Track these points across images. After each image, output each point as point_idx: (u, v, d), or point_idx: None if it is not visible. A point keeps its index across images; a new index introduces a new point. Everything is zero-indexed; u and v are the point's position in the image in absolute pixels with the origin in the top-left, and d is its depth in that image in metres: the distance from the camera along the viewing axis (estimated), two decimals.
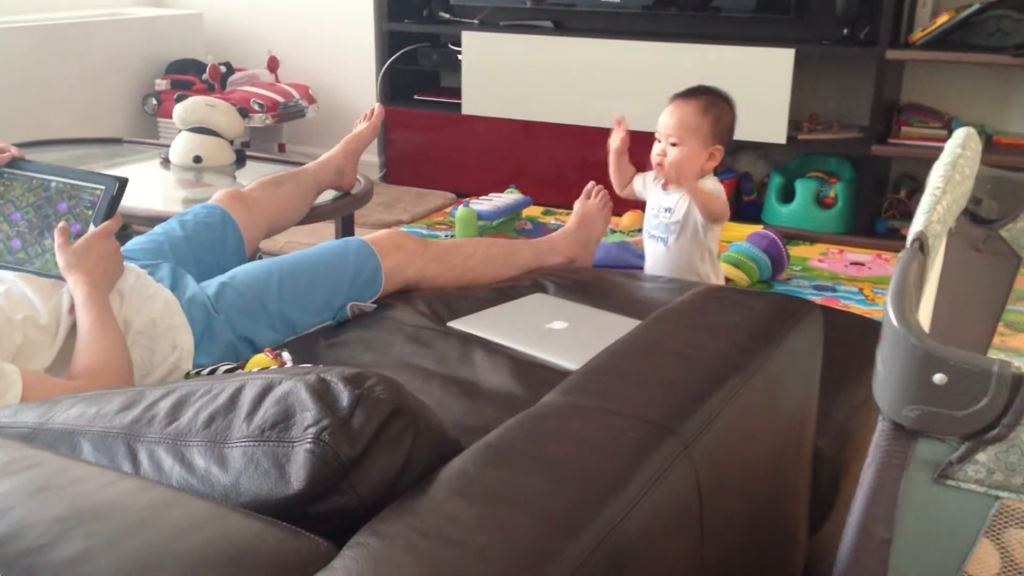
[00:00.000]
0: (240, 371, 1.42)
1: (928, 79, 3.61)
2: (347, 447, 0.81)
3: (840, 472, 1.38)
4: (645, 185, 2.26)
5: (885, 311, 0.77)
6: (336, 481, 0.80)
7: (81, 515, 0.76)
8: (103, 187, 1.55)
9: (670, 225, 2.16)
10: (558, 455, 0.87)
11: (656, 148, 2.16)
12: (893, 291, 0.77)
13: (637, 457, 0.88)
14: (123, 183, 1.55)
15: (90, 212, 1.54)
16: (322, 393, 0.85)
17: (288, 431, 0.83)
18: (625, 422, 0.93)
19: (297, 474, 0.80)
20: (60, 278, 1.48)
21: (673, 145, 2.12)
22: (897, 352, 0.75)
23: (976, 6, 3.27)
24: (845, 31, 3.48)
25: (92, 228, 1.51)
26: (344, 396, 0.85)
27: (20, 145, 2.81)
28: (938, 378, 0.73)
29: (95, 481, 0.82)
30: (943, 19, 3.32)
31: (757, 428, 1.10)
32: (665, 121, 2.14)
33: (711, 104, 2.13)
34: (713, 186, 2.15)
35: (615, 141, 2.26)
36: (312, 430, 0.82)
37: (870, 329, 1.73)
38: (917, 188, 3.66)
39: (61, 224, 1.49)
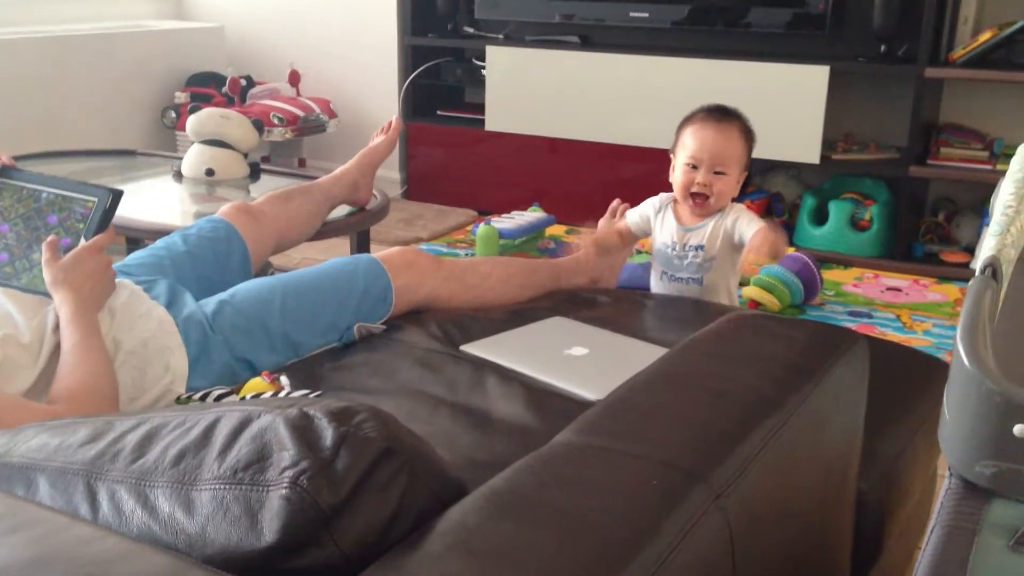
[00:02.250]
0: (233, 395, 1.33)
1: (969, 99, 3.48)
2: (328, 493, 0.71)
3: (885, 518, 1.26)
4: (648, 221, 1.97)
5: (955, 349, 0.65)
6: (315, 533, 0.71)
7: (21, 568, 0.68)
8: (96, 199, 1.46)
9: (704, 263, 1.89)
10: (571, 505, 0.77)
11: (694, 176, 1.86)
12: (964, 326, 0.66)
13: (662, 509, 0.78)
14: (117, 195, 1.46)
15: (81, 225, 1.45)
16: (303, 430, 0.76)
17: (263, 473, 0.73)
18: (648, 468, 0.83)
19: (270, 523, 0.71)
20: (47, 295, 1.39)
21: (717, 173, 1.86)
22: (970, 398, 0.64)
23: (1021, 23, 3.15)
24: (882, 48, 3.37)
25: (83, 242, 1.42)
26: (327, 434, 0.75)
27: (30, 156, 2.76)
28: (1019, 429, 0.62)
29: (44, 527, 0.73)
30: (985, 36, 3.20)
31: (797, 473, 0.99)
32: (708, 147, 1.85)
33: (745, 127, 1.92)
34: (754, 219, 1.87)
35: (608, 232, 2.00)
36: (289, 473, 0.72)
37: (915, 360, 1.61)
38: (956, 211, 3.52)
39: (50, 238, 1.40)
